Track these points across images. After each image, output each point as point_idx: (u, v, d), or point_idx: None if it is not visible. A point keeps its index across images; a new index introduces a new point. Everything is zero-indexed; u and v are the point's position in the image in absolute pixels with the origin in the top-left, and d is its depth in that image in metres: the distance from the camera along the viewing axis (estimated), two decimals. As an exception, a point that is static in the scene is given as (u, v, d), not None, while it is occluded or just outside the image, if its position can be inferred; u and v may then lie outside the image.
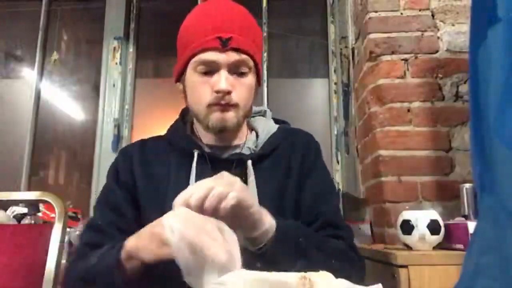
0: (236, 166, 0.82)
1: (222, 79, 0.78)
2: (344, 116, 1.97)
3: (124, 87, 2.07)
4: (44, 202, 1.00)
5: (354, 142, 1.90)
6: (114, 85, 2.05)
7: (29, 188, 2.00)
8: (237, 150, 0.86)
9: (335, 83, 2.02)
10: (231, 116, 0.80)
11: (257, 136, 0.90)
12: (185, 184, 0.80)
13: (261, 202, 0.77)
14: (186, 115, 0.95)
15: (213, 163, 0.82)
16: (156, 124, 2.06)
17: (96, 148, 2.00)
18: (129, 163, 0.86)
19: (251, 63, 0.82)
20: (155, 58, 2.24)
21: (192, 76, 0.82)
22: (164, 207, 0.78)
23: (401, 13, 1.63)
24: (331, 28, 2.09)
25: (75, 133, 2.15)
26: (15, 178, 2.00)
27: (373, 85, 1.61)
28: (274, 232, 0.68)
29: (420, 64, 1.58)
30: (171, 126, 0.93)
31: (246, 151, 0.85)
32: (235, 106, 0.80)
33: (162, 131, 0.94)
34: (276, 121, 0.95)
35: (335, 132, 1.96)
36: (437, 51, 1.59)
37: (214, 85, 0.78)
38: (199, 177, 0.79)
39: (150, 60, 2.22)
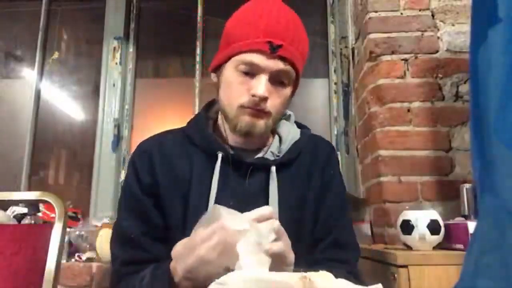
0: (259, 170, 0.81)
1: (262, 85, 0.75)
2: (344, 116, 1.97)
3: (124, 87, 2.07)
4: (44, 202, 1.00)
5: (354, 142, 1.90)
6: (114, 85, 2.05)
7: (29, 188, 2.00)
8: (260, 154, 0.84)
9: (335, 83, 2.02)
10: (261, 123, 0.78)
11: (279, 140, 0.87)
12: (208, 185, 0.79)
13: (282, 209, 0.78)
14: (209, 111, 0.91)
15: (236, 166, 0.80)
16: (156, 124, 2.06)
17: (96, 148, 1.99)
18: (148, 161, 0.82)
19: (293, 76, 0.79)
20: (155, 58, 2.23)
21: (231, 73, 0.78)
22: (186, 207, 0.79)
23: (401, 13, 1.63)
24: (331, 28, 2.09)
25: (75, 133, 2.15)
26: (15, 178, 2.00)
27: (373, 85, 1.61)
28: None
29: (420, 64, 1.58)
30: (192, 121, 0.89)
31: (269, 156, 0.83)
32: (267, 114, 0.78)
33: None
34: (298, 125, 0.93)
35: (335, 132, 1.96)
36: (437, 51, 1.59)
37: (251, 88, 0.76)
38: (221, 179, 0.79)
39: (150, 60, 2.22)
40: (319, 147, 0.89)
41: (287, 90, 0.80)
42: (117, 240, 0.81)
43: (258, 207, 0.64)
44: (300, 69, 0.81)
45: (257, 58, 0.75)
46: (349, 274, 0.77)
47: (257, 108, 0.76)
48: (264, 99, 0.76)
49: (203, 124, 0.86)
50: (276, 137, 0.88)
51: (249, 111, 0.77)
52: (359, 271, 0.83)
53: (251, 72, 0.77)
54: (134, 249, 0.78)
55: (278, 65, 0.76)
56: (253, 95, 0.75)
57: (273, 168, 0.80)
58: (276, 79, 0.78)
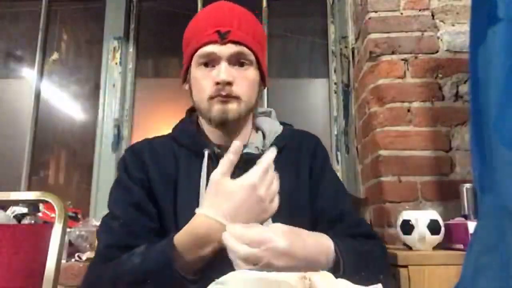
0: (246, 165, 0.81)
1: (222, 71, 0.79)
2: (344, 116, 1.97)
3: (124, 87, 2.07)
4: (44, 202, 1.00)
5: (354, 142, 1.90)
6: (114, 85, 2.05)
7: (29, 188, 2.00)
8: (245, 150, 0.85)
9: (335, 83, 2.02)
10: (232, 107, 0.80)
11: (263, 136, 0.90)
12: (197, 182, 0.80)
13: None
14: (191, 116, 0.95)
15: None
16: (156, 124, 2.06)
17: (96, 148, 2.00)
18: (138, 158, 0.84)
19: (252, 57, 0.83)
20: (155, 58, 2.24)
21: (195, 71, 0.84)
22: (175, 204, 0.80)
23: (401, 13, 1.63)
24: (331, 28, 2.09)
25: (75, 133, 2.15)
26: (15, 178, 2.00)
27: (373, 85, 1.61)
28: None
29: (420, 64, 1.58)
30: (177, 125, 0.93)
31: (253, 151, 0.85)
32: (236, 98, 0.81)
33: (162, 131, 0.93)
34: (280, 123, 0.95)
35: (335, 132, 1.96)
36: (437, 51, 1.58)
37: (215, 78, 0.80)
38: (209, 177, 0.79)
39: (150, 60, 2.22)
40: (304, 140, 0.92)
41: (252, 72, 0.84)
42: (105, 227, 0.79)
43: None
44: (258, 52, 0.85)
45: (210, 48, 0.81)
46: (381, 248, 0.82)
47: (224, 94, 0.80)
48: (228, 83, 0.79)
49: (187, 126, 0.90)
50: (260, 132, 0.91)
51: (217, 99, 0.80)
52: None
53: (211, 63, 0.82)
54: (122, 233, 0.75)
55: (231, 48, 0.80)
56: (217, 83, 0.79)
57: None
58: (235, 62, 0.82)
